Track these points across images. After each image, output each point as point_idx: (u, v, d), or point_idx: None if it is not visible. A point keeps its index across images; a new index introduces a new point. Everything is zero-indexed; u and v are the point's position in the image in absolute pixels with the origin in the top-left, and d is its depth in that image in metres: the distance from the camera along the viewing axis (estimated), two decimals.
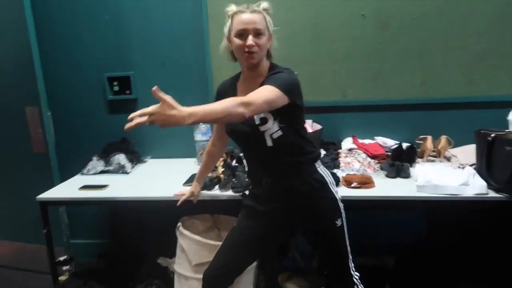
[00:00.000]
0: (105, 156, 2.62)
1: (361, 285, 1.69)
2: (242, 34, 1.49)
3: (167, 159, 2.77)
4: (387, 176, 2.14)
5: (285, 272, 2.26)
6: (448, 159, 2.32)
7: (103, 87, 2.74)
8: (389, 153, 2.35)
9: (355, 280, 1.66)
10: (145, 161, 2.76)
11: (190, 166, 2.49)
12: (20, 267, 2.95)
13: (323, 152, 2.37)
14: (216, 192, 2.06)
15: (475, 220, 2.26)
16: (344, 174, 2.11)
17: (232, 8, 1.55)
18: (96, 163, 2.56)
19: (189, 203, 1.97)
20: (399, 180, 2.10)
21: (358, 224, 2.56)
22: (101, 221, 3.00)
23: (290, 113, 1.49)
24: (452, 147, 2.34)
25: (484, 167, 1.90)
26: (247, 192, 1.78)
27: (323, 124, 2.43)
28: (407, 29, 2.40)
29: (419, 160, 2.33)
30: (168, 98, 1.16)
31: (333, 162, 2.23)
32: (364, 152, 2.34)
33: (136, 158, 2.69)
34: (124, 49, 2.69)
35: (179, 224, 2.19)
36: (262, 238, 1.68)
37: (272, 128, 1.50)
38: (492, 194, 1.82)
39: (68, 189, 2.26)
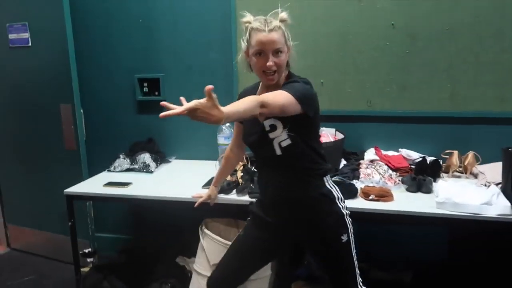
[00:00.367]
0: (131, 154, 2.71)
1: None
2: (261, 53, 1.47)
3: (191, 160, 2.83)
4: (408, 190, 2.09)
5: (299, 281, 2.25)
6: (475, 175, 2.25)
7: (133, 88, 2.83)
8: (412, 167, 2.31)
9: None
10: (169, 161, 2.83)
11: (212, 168, 2.52)
12: (47, 256, 3.10)
13: (343, 162, 2.36)
14: (233, 196, 2.09)
15: (499, 241, 2.17)
16: (362, 186, 2.09)
17: (248, 19, 1.52)
18: (122, 161, 2.66)
19: (208, 205, 2.01)
20: (419, 195, 2.05)
21: (375, 237, 2.56)
22: (125, 217, 3.11)
23: (301, 123, 1.48)
24: (479, 164, 2.27)
25: (510, 187, 1.83)
26: (253, 200, 1.80)
27: (346, 134, 2.41)
28: (436, 41, 2.35)
29: (444, 175, 2.27)
30: (215, 97, 1.15)
31: (352, 173, 2.20)
32: (386, 164, 2.30)
33: (161, 158, 2.76)
34: (155, 52, 2.78)
35: (202, 224, 2.24)
36: (266, 249, 1.69)
37: (281, 136, 1.49)
38: None
39: (94, 185, 2.36)
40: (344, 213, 1.60)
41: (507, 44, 2.27)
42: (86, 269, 2.63)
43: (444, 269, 2.37)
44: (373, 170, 2.22)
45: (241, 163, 2.28)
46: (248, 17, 1.52)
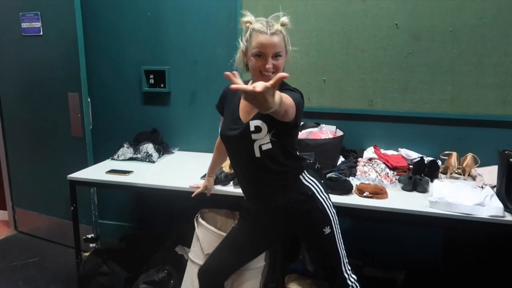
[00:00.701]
0: (135, 144, 2.77)
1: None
2: (260, 55, 1.48)
3: (193, 152, 2.88)
4: (403, 188, 2.11)
5: (292, 274, 2.28)
6: (474, 178, 2.25)
7: (140, 79, 2.89)
8: (411, 166, 2.32)
9: (350, 282, 1.67)
10: (172, 152, 2.88)
11: None
12: (52, 240, 3.19)
13: (341, 159, 2.38)
14: (230, 188, 2.13)
15: (494, 242, 2.17)
16: (358, 183, 2.11)
17: (249, 19, 1.52)
18: (126, 150, 2.72)
19: (205, 196, 2.06)
20: (415, 194, 2.06)
21: (370, 235, 2.58)
22: (127, 206, 3.18)
23: (285, 130, 1.50)
24: (478, 166, 2.27)
25: (504, 189, 1.83)
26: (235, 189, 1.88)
27: (347, 132, 2.43)
28: (440, 43, 2.35)
29: (442, 176, 2.28)
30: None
31: (349, 170, 2.22)
32: (384, 163, 2.31)
33: (164, 148, 2.81)
34: (162, 45, 2.83)
35: (198, 214, 2.29)
36: (256, 243, 1.76)
37: (264, 139, 1.51)
38: (509, 217, 1.75)
39: (97, 172, 2.42)
40: (326, 205, 1.63)
41: (511, 46, 2.26)
42: (87, 254, 2.71)
43: (437, 270, 2.38)
44: (370, 168, 2.23)
45: None
46: (248, 17, 1.52)
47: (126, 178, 2.31)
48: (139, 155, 2.68)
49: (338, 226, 1.67)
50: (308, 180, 1.64)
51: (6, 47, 3.08)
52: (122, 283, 2.41)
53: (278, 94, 1.16)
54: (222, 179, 2.14)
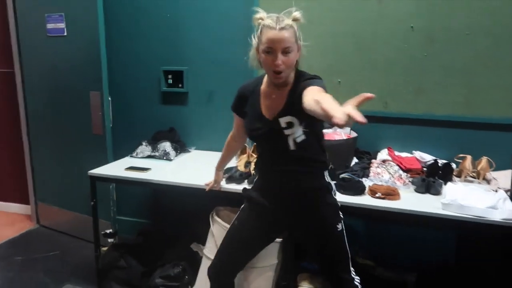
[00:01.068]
0: (153, 142, 2.84)
1: None
2: (270, 51, 1.47)
3: (210, 151, 2.93)
4: (416, 190, 2.12)
5: (304, 273, 2.31)
6: (489, 181, 2.24)
7: (159, 79, 2.97)
8: (425, 169, 2.32)
9: (356, 283, 1.69)
10: (189, 151, 2.94)
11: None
12: (72, 234, 3.30)
13: (355, 160, 2.40)
14: (244, 186, 2.16)
15: (507, 245, 2.16)
16: (371, 184, 2.13)
17: (261, 15, 1.52)
18: (144, 148, 2.79)
19: (220, 194, 2.13)
20: (428, 196, 2.07)
21: (381, 236, 2.59)
22: (145, 202, 3.26)
23: (315, 120, 1.46)
24: (493, 170, 2.26)
25: None
26: (248, 187, 1.88)
27: (361, 133, 2.45)
28: (455, 45, 2.35)
29: (456, 179, 2.27)
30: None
31: (362, 171, 2.24)
32: (398, 165, 2.32)
33: (181, 147, 2.88)
34: (180, 45, 2.91)
35: (213, 212, 2.34)
36: (263, 235, 1.77)
37: (297, 133, 1.53)
38: None
39: (116, 169, 2.50)
40: (338, 205, 1.69)
41: None
42: (105, 248, 2.79)
43: (450, 272, 2.38)
44: (383, 170, 2.25)
45: (254, 155, 2.36)
46: (261, 13, 1.53)
47: (144, 174, 2.39)
48: (157, 153, 2.75)
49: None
50: (328, 178, 1.70)
51: (32, 47, 3.20)
52: (138, 277, 2.48)
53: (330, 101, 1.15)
54: (237, 178, 2.19)
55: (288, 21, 1.48)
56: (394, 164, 2.32)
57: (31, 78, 3.30)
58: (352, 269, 1.70)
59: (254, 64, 1.65)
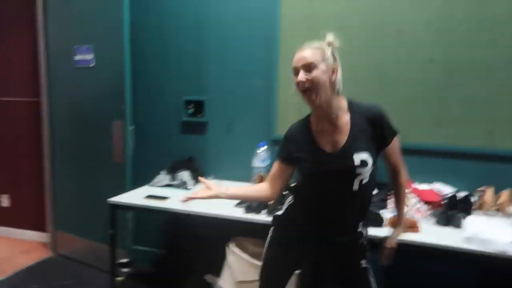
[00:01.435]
0: (172, 171, 2.88)
1: None
2: (295, 72, 1.47)
3: (227, 180, 2.95)
4: (437, 223, 2.09)
5: None
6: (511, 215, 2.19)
7: (180, 109, 3.04)
8: (444, 202, 2.29)
9: None
10: None
11: None
12: (87, 262, 3.29)
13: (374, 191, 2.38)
14: (262, 216, 2.17)
15: None
16: (391, 215, 2.10)
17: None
18: (163, 177, 2.83)
19: (237, 225, 2.10)
20: (448, 229, 2.03)
21: (401, 269, 2.50)
22: (160, 232, 3.26)
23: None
24: None
25: None
26: (279, 212, 1.72)
27: (379, 164, 2.43)
28: (476, 77, 2.36)
29: (477, 212, 2.23)
30: None
31: (381, 203, 2.23)
32: (417, 197, 2.30)
33: (199, 176, 2.89)
34: (202, 76, 3.00)
35: (230, 242, 2.33)
36: (291, 267, 1.75)
37: (366, 173, 1.45)
38: None
39: (135, 197, 2.53)
40: (368, 247, 1.65)
41: None
42: (120, 278, 2.78)
43: None
44: None
45: None
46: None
47: (162, 203, 2.41)
48: (175, 182, 2.78)
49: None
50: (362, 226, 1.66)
51: (60, 78, 3.33)
52: None
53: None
54: (255, 208, 2.19)
55: (316, 44, 1.48)
56: (413, 196, 2.29)
57: (56, 107, 3.40)
58: None
59: (296, 92, 1.53)
